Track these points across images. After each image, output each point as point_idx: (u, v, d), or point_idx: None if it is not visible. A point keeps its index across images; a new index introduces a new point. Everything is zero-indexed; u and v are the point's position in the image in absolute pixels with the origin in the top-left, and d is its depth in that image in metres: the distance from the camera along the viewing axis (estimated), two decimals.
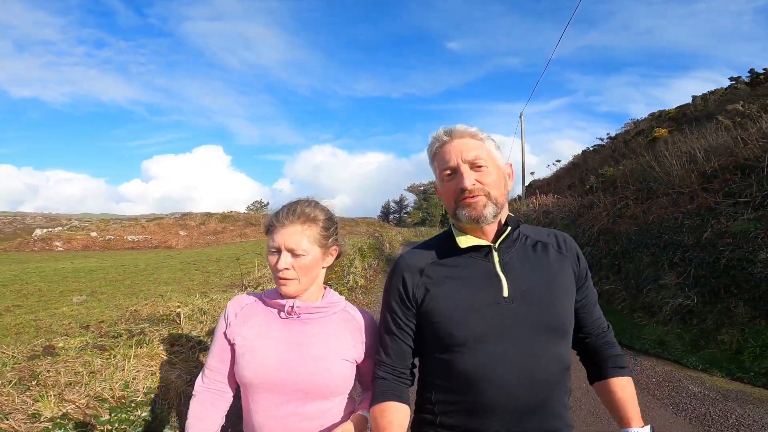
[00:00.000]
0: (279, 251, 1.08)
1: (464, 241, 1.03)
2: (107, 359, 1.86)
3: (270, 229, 1.11)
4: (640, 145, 13.03)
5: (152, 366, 1.91)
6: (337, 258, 1.20)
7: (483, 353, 0.97)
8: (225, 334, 1.14)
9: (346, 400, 1.16)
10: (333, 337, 1.12)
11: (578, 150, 21.41)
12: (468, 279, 1.02)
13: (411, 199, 49.47)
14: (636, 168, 9.02)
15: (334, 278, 7.04)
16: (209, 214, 34.84)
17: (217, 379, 1.16)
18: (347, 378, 1.13)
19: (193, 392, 1.18)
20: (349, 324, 1.16)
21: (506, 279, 1.01)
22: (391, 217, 49.69)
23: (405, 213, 48.89)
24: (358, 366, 1.17)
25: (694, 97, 15.50)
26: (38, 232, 29.35)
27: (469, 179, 0.99)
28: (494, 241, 1.05)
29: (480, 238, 1.04)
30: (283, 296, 1.12)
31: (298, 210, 1.11)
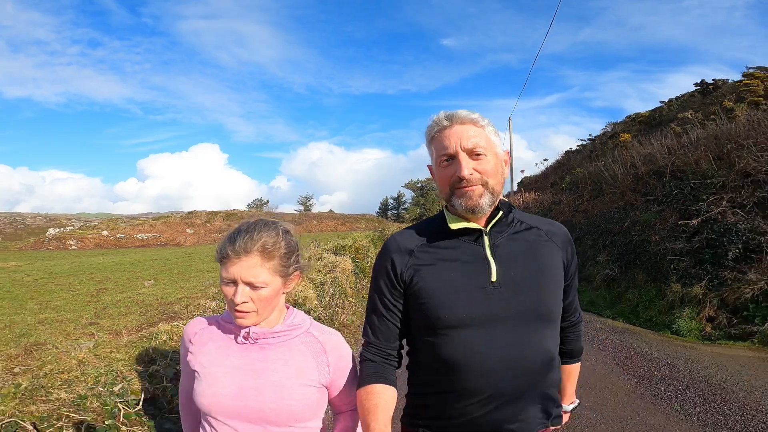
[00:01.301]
0: (235, 283, 0.99)
1: (455, 224, 1.04)
2: None
3: (224, 261, 1.00)
4: (608, 148, 15.14)
5: None
6: (296, 283, 1.13)
7: (468, 337, 0.98)
8: (186, 361, 1.11)
9: (320, 425, 1.11)
10: (294, 363, 1.05)
11: (572, 146, 23.40)
12: (457, 262, 1.03)
13: (408, 195, 51.41)
14: (593, 171, 11.14)
15: (359, 258, 8.76)
16: (214, 213, 36.74)
17: (190, 401, 1.12)
18: (313, 404, 1.06)
19: (181, 412, 1.21)
20: (312, 347, 1.09)
21: (495, 264, 1.01)
22: (389, 213, 51.53)
23: (403, 209, 50.84)
24: (328, 390, 1.11)
25: (662, 102, 17.61)
26: (51, 231, 31.21)
27: (468, 168, 0.99)
28: (486, 225, 1.05)
29: (472, 221, 1.04)
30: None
31: (255, 238, 1.00)
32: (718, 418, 3.16)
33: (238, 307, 1.00)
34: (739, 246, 5.62)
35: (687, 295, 5.86)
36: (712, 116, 12.34)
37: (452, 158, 1.01)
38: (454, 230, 1.04)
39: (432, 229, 1.10)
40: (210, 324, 1.12)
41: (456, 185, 1.01)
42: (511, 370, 0.97)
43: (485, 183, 1.00)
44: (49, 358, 2.89)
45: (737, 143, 7.02)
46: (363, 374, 1.07)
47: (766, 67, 14.00)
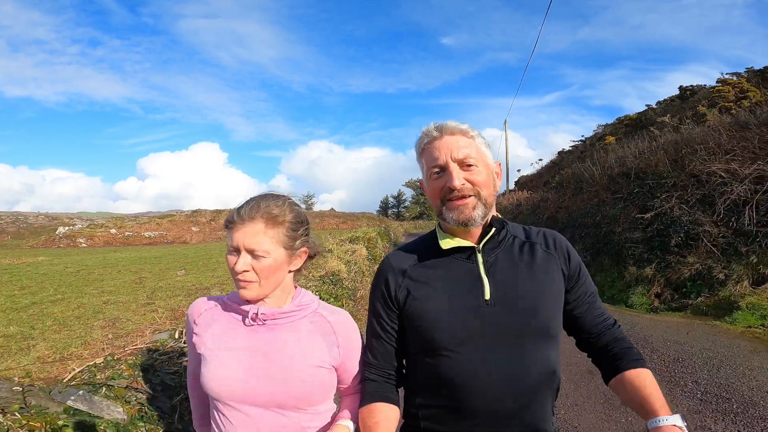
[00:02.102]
0: (238, 251, 1.01)
1: (447, 243, 1.03)
2: None
3: (229, 226, 1.03)
4: (595, 150, 16.40)
5: None
6: (310, 259, 1.13)
7: (464, 358, 0.97)
8: (192, 343, 1.10)
9: (331, 407, 1.13)
10: (304, 343, 1.06)
11: (566, 146, 24.60)
12: (450, 281, 1.02)
13: (409, 194, 52.54)
14: (576, 171, 12.41)
15: (371, 247, 10.01)
16: (218, 211, 37.96)
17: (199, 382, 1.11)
18: (324, 385, 1.07)
19: (189, 396, 1.22)
20: (322, 327, 1.09)
21: (489, 281, 1.00)
22: (390, 211, 52.64)
23: (403, 207, 51.93)
24: (337, 371, 1.11)
25: (647, 105, 18.87)
26: (61, 229, 32.46)
27: (459, 178, 0.98)
28: (479, 242, 1.04)
29: (464, 239, 1.04)
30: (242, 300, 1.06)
31: (262, 206, 1.02)
32: None
33: (239, 276, 1.00)
34: (681, 235, 6.90)
35: (641, 276, 7.14)
36: (688, 120, 13.63)
37: (443, 170, 1.01)
38: (446, 249, 1.03)
39: (425, 248, 1.09)
40: (215, 304, 1.11)
41: (447, 197, 1.00)
42: (508, 388, 0.96)
43: (477, 194, 1.00)
44: (131, 327, 3.58)
45: (692, 148, 8.29)
46: (365, 393, 1.08)
47: (739, 73, 15.24)
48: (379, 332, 1.09)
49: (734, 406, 3.22)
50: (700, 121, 12.23)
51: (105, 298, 4.99)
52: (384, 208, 53.00)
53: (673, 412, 0.91)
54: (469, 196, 1.00)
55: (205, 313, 1.10)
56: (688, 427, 0.91)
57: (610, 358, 1.06)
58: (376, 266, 1.34)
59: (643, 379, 1.00)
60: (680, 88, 16.55)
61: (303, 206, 1.15)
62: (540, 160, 25.89)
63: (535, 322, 0.99)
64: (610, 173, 10.51)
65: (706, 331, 5.14)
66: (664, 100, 18.44)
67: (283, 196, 1.09)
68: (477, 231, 1.04)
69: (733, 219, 6.57)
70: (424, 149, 1.06)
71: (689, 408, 3.28)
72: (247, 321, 1.06)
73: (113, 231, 33.31)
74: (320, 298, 1.17)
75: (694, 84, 16.01)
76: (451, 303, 1.00)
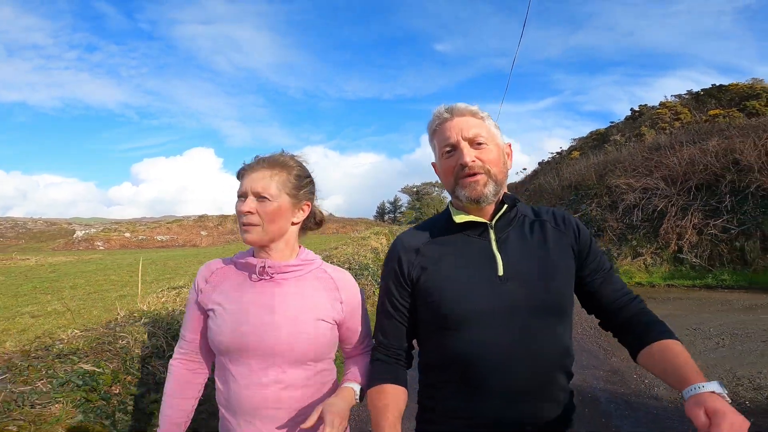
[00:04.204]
0: (246, 195, 1.10)
1: (461, 218, 1.06)
2: None
3: (240, 175, 1.14)
4: (564, 162, 19.78)
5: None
6: (316, 222, 1.24)
7: (477, 334, 0.99)
8: (197, 302, 1.16)
9: (331, 367, 1.19)
10: (308, 297, 1.12)
11: (545, 158, 27.90)
12: (463, 257, 1.05)
13: (405, 199, 55.79)
14: (542, 183, 15.74)
15: (386, 242, 13.34)
16: (224, 216, 41.00)
17: (193, 350, 1.19)
18: (328, 340, 1.13)
19: (169, 366, 1.22)
20: (326, 282, 1.16)
21: (502, 257, 1.03)
22: (386, 216, 55.75)
23: (399, 213, 55.10)
24: (339, 329, 1.18)
25: (611, 122, 22.34)
26: (79, 233, 35.43)
27: (469, 155, 1.03)
28: (491, 219, 1.07)
29: (477, 215, 1.07)
30: (255, 254, 1.15)
31: (269, 156, 1.15)
32: None
33: (244, 218, 1.09)
34: (594, 228, 10.19)
35: None
36: (634, 138, 17.05)
37: (454, 148, 1.06)
38: (459, 226, 1.07)
39: (437, 226, 1.13)
40: (225, 264, 1.19)
41: (460, 174, 1.05)
42: (523, 365, 0.98)
43: (488, 171, 1.04)
44: None
45: (613, 165, 11.62)
46: (373, 373, 1.11)
47: (681, 95, 18.65)
48: (391, 311, 1.12)
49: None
50: (640, 140, 15.63)
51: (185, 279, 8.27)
52: (381, 213, 56.16)
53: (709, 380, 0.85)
54: (480, 173, 1.04)
55: (217, 271, 1.18)
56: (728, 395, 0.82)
57: (636, 332, 1.04)
58: None
59: (674, 349, 0.96)
60: (631, 109, 20.04)
61: None
62: (524, 169, 29.20)
63: (547, 297, 1.01)
64: (562, 184, 13.83)
65: None
66: (620, 121, 21.90)
67: (291, 153, 1.20)
68: (489, 209, 1.08)
69: (626, 217, 9.88)
70: (436, 130, 1.11)
71: None
72: (254, 276, 1.13)
73: (127, 235, 36.38)
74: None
75: (646, 104, 19.46)
76: (465, 279, 1.03)
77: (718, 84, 17.69)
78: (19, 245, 36.31)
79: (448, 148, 1.07)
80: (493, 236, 1.06)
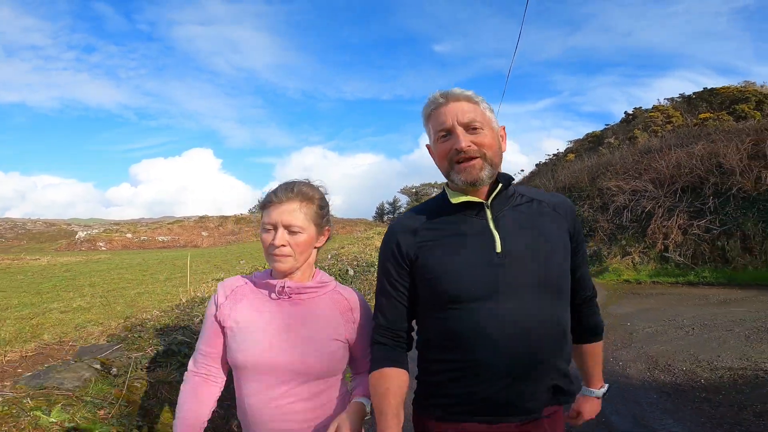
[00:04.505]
0: (275, 228, 1.14)
1: (458, 198, 1.09)
2: None
3: (267, 206, 1.17)
4: (560, 164, 20.32)
5: None
6: (327, 240, 1.27)
7: (476, 311, 1.01)
8: (215, 317, 1.20)
9: (340, 381, 1.23)
10: (324, 318, 1.18)
11: (545, 157, 28.36)
12: (461, 236, 1.07)
13: (404, 200, 56.31)
14: (538, 185, 16.28)
15: None
16: (224, 217, 41.47)
17: (209, 363, 1.22)
18: (340, 358, 1.19)
19: (185, 377, 1.24)
20: (340, 304, 1.22)
21: (499, 235, 1.05)
22: (385, 217, 56.20)
23: (398, 213, 55.56)
24: (351, 347, 1.23)
25: (606, 125, 22.86)
26: (81, 234, 35.82)
27: (465, 140, 1.05)
28: (487, 198, 1.10)
29: (473, 195, 1.09)
30: (273, 276, 1.20)
31: (296, 188, 1.18)
32: None
33: (276, 251, 1.14)
34: (586, 229, 10.72)
35: None
36: (627, 141, 17.58)
37: (449, 132, 1.07)
38: (456, 205, 1.09)
39: (434, 207, 1.15)
40: (245, 282, 1.24)
41: (454, 158, 1.07)
42: (522, 341, 0.99)
43: (483, 155, 1.06)
44: None
45: (605, 168, 12.15)
46: (374, 358, 1.12)
47: (674, 98, 19.16)
48: (390, 291, 1.13)
49: None
50: (633, 143, 16.16)
51: (201, 274, 8.38)
52: (380, 213, 56.62)
53: (605, 383, 1.28)
54: (476, 157, 1.05)
55: (237, 289, 1.22)
56: (605, 396, 1.30)
57: (579, 329, 1.20)
58: None
59: (592, 352, 1.26)
60: (625, 112, 20.58)
61: None
62: (522, 170, 29.76)
63: (545, 276, 1.03)
64: (557, 186, 14.36)
65: None
66: (615, 123, 22.42)
67: (308, 180, 1.25)
68: (485, 189, 1.10)
69: (617, 218, 10.42)
70: (431, 115, 1.12)
71: None
72: (273, 295, 1.18)
73: (129, 236, 36.76)
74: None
75: (640, 107, 19.99)
76: (463, 257, 1.05)
77: (710, 87, 18.23)
78: (21, 246, 36.63)
79: (443, 133, 1.09)
80: (489, 215, 1.09)
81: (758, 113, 15.54)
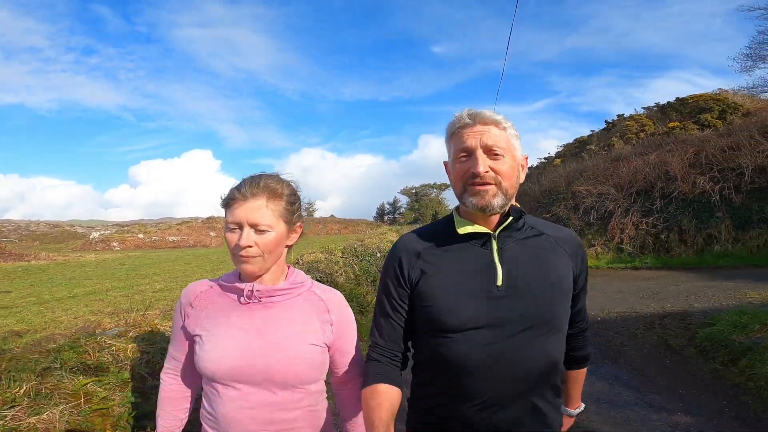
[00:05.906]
0: (240, 227, 1.08)
1: (464, 229, 1.09)
2: None
3: (230, 203, 1.10)
4: (547, 170, 22.53)
5: None
6: (299, 236, 1.21)
7: (469, 341, 1.04)
8: (183, 328, 1.17)
9: (322, 388, 1.20)
10: (298, 321, 1.13)
11: (537, 161, 30.36)
12: (463, 266, 1.08)
13: (404, 201, 58.26)
14: (525, 189, 18.50)
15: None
16: None
17: (180, 369, 1.22)
18: (317, 364, 1.14)
19: (161, 378, 1.25)
20: (316, 305, 1.17)
21: (502, 269, 1.06)
22: (386, 217, 58.16)
23: (398, 214, 57.53)
24: (330, 351, 1.19)
25: (592, 131, 25.09)
26: (95, 234, 37.93)
27: (483, 165, 1.04)
28: (495, 229, 1.10)
29: (482, 224, 1.10)
30: (242, 278, 1.15)
31: (262, 182, 1.11)
32: None
33: (243, 252, 1.07)
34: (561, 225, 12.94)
35: None
36: (606, 147, 19.78)
37: (469, 154, 1.07)
38: (462, 234, 1.09)
39: (440, 232, 1.16)
40: (210, 286, 1.18)
41: (470, 181, 1.07)
42: (511, 374, 1.03)
43: (499, 183, 1.06)
44: None
45: (580, 174, 14.38)
46: (369, 373, 1.13)
47: (649, 106, 21.33)
48: (389, 311, 1.15)
49: None
50: (610, 150, 18.38)
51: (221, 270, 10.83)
52: (380, 214, 58.52)
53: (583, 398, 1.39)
54: (491, 184, 1.05)
55: (201, 295, 1.17)
56: (580, 414, 1.39)
57: (567, 357, 1.21)
58: None
59: (576, 377, 1.35)
60: (606, 121, 22.85)
61: (305, 213, 1.23)
62: None
63: (544, 312, 1.05)
64: (541, 189, 16.58)
65: None
66: (598, 130, 24.65)
67: (276, 174, 1.17)
68: (495, 218, 1.09)
69: (585, 216, 12.66)
70: (455, 133, 1.12)
71: None
72: (242, 299, 1.12)
73: (140, 236, 38.93)
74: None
75: (623, 114, 22.24)
76: (463, 286, 1.06)
77: (682, 97, 20.43)
78: (35, 246, 38.61)
79: (463, 154, 1.09)
80: (495, 246, 1.09)
81: (720, 122, 17.75)
